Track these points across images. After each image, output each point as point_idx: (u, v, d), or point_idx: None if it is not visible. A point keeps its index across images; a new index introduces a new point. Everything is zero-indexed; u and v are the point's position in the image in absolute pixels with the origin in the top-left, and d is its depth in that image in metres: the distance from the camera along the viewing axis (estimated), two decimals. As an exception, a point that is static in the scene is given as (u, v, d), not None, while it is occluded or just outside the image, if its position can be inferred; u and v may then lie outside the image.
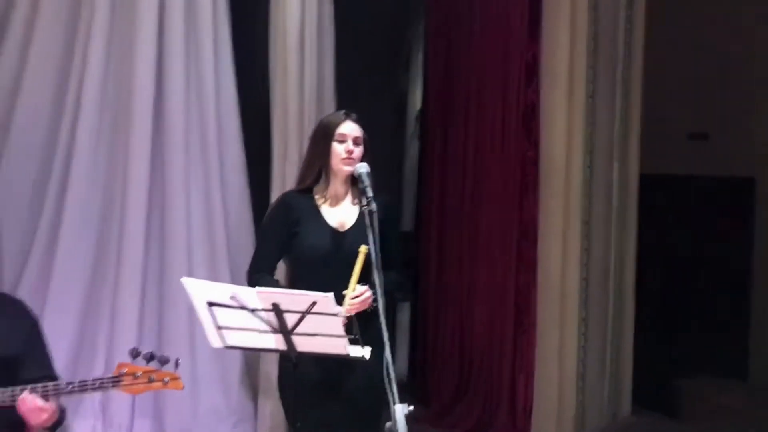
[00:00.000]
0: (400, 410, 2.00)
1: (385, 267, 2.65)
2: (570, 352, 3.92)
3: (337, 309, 2.15)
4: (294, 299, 2.05)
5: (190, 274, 3.50)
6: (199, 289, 2.10)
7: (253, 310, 2.07)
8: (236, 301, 2.07)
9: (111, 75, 3.57)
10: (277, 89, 3.59)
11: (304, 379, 2.38)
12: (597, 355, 4.17)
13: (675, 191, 5.16)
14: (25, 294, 3.55)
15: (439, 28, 4.85)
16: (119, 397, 3.52)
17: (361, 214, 2.55)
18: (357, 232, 2.43)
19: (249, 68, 3.82)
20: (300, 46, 3.52)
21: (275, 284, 2.46)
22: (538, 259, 3.90)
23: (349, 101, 5.05)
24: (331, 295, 2.03)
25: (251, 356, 3.69)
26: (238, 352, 3.61)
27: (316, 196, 2.57)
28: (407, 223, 5.75)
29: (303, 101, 3.53)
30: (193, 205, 3.65)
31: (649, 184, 4.62)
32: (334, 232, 2.53)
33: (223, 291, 2.09)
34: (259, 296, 2.05)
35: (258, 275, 2.52)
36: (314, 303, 2.03)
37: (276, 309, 2.05)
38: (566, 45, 3.92)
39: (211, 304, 2.10)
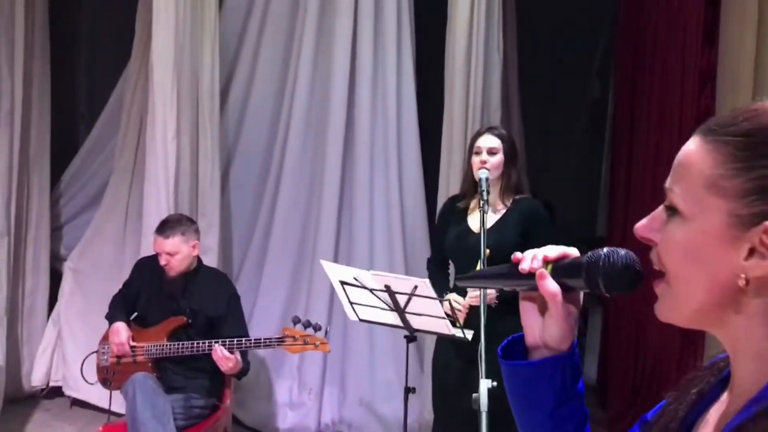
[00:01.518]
0: (485, 384, 2.31)
1: None
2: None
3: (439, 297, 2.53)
4: (400, 282, 2.47)
5: (371, 263, 4.07)
6: (333, 270, 2.60)
7: (371, 290, 2.53)
8: (359, 281, 2.54)
9: (314, 95, 4.20)
10: (447, 98, 3.90)
11: (451, 361, 2.83)
12: None
13: None
14: (245, 276, 4.40)
15: (625, 36, 4.87)
16: (313, 364, 4.18)
17: (501, 218, 2.90)
18: (488, 233, 2.78)
19: (428, 80, 4.25)
20: (467, 60, 3.80)
21: (440, 277, 2.90)
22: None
23: (537, 109, 5.29)
24: (427, 280, 2.41)
25: (420, 337, 4.13)
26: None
27: (467, 200, 2.97)
28: (601, 229, 5.79)
29: (467, 108, 3.81)
30: (375, 203, 4.13)
31: None
32: (468, 233, 2.89)
33: (350, 272, 2.57)
34: (373, 278, 2.50)
35: (432, 265, 3.06)
36: (416, 287, 2.42)
37: (388, 290, 2.48)
38: (751, 49, 3.79)
39: (342, 283, 2.60)
